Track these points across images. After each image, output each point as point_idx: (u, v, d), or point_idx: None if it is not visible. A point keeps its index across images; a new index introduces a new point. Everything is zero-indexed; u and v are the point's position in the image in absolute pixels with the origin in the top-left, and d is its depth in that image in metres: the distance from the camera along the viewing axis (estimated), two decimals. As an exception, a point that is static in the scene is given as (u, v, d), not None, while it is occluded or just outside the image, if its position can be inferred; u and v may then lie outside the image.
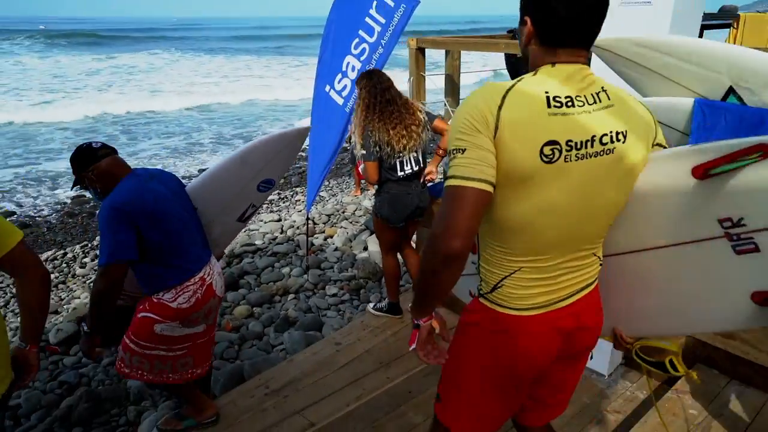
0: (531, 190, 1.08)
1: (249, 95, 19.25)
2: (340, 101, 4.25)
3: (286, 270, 5.04)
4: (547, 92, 1.06)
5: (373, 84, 2.85)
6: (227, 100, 18.38)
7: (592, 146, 1.07)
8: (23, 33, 46.05)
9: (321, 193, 7.60)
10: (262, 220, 6.45)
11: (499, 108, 1.03)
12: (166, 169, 2.65)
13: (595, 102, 1.10)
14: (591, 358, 1.49)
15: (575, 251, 1.19)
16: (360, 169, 3.17)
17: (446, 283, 1.11)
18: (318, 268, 5.04)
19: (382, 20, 3.88)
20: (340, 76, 4.22)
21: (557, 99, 1.06)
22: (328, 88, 4.34)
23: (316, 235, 5.90)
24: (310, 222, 6.17)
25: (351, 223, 6.17)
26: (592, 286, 1.28)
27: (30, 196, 8.58)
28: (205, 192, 2.42)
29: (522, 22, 1.13)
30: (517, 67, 3.51)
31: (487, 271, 1.24)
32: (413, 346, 1.26)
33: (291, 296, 4.60)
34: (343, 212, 6.59)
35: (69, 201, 8.18)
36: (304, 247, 5.52)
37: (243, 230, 6.34)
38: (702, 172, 1.09)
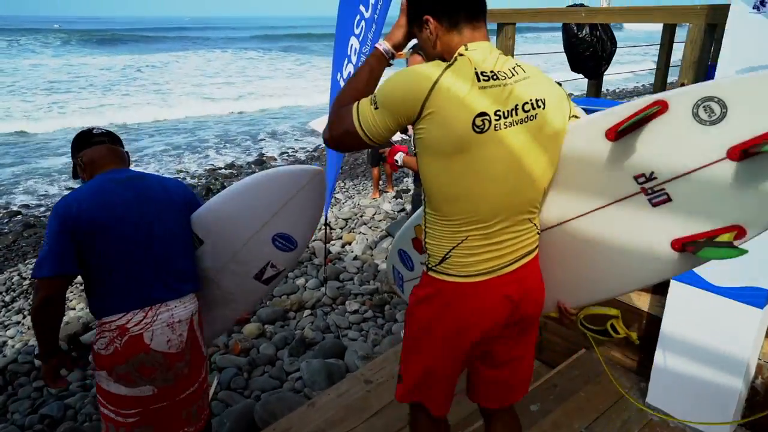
0: (467, 159, 1.16)
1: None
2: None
3: (300, 281, 4.55)
4: (475, 69, 1.16)
5: None
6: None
7: (516, 114, 1.17)
8: (52, 32, 44.78)
9: (336, 195, 7.11)
10: (274, 224, 5.97)
11: (435, 83, 1.13)
12: None
13: (513, 75, 1.20)
14: None
15: (516, 215, 1.26)
16: (399, 158, 2.64)
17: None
18: (336, 279, 4.54)
19: None
20: (345, 61, 3.68)
21: (484, 74, 1.16)
22: (339, 76, 3.83)
23: (332, 242, 5.40)
24: (327, 227, 5.69)
25: (371, 228, 5.66)
26: (533, 255, 1.34)
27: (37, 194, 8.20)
28: (212, 225, 1.90)
29: (422, 27, 1.25)
30: (577, 49, 2.99)
31: (434, 245, 1.31)
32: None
33: (307, 312, 4.10)
34: (362, 216, 6.09)
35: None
36: (320, 255, 5.03)
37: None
38: (614, 134, 1.18)
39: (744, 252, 1.04)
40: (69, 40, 39.06)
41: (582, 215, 1.33)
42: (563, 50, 3.17)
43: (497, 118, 1.15)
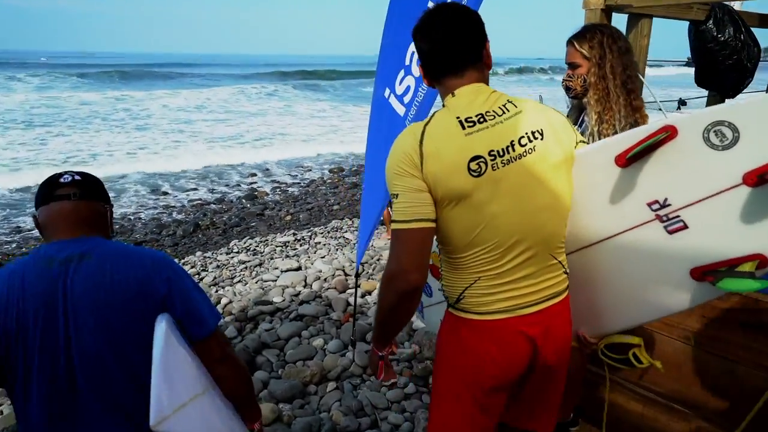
0: (470, 205, 1.15)
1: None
2: (401, 110, 2.98)
3: (318, 342, 3.71)
4: (458, 117, 1.16)
5: (620, 47, 1.64)
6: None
7: (513, 150, 1.16)
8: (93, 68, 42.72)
9: (345, 235, 6.33)
10: (277, 268, 5.14)
11: (420, 144, 1.14)
12: None
13: (504, 113, 1.18)
14: None
15: (533, 253, 1.21)
16: None
17: (403, 316, 1.27)
18: (363, 340, 3.71)
19: None
20: (402, 73, 2.94)
21: (469, 120, 1.16)
22: (387, 92, 3.09)
23: (349, 289, 4.59)
24: (341, 273, 4.87)
25: (392, 274, 4.86)
26: (560, 297, 1.30)
27: None
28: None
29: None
30: (716, 57, 2.32)
31: (449, 284, 1.31)
32: (381, 377, 1.46)
33: (331, 385, 3.25)
34: (379, 260, 5.29)
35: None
36: (337, 308, 4.20)
37: (255, 281, 5.05)
38: (624, 160, 1.16)
39: (766, 284, 0.99)
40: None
41: (596, 243, 1.31)
42: (690, 59, 2.50)
43: (492, 158, 1.14)
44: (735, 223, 1.07)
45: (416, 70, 2.86)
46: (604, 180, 1.22)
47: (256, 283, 4.90)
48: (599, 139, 1.61)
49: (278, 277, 4.93)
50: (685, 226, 1.15)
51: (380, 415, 2.95)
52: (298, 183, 11.42)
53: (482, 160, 1.13)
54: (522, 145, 1.17)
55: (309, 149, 14.85)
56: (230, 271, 5.30)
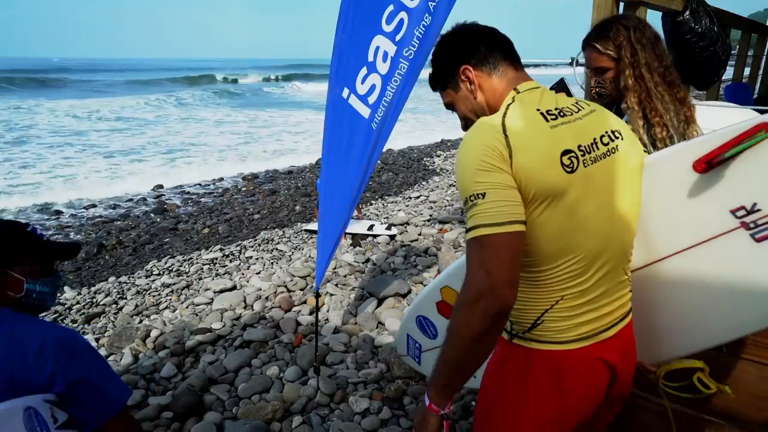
0: (563, 205, 1.02)
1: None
2: (365, 112, 2.72)
3: (272, 371, 3.33)
4: (538, 109, 1.04)
5: (649, 37, 1.47)
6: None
7: (597, 148, 1.06)
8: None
9: (278, 246, 5.91)
10: (209, 289, 4.63)
11: (505, 135, 0.98)
12: None
13: (579, 110, 1.09)
14: None
15: (612, 265, 1.11)
16: None
17: (490, 348, 1.01)
18: (324, 363, 3.40)
19: None
20: (364, 71, 2.66)
21: (550, 112, 1.04)
22: (346, 92, 2.81)
23: (295, 307, 4.23)
24: (284, 290, 4.50)
25: (338, 287, 4.57)
26: (629, 317, 1.19)
27: None
28: None
29: (459, 82, 1.14)
30: (693, 49, 2.27)
31: (524, 308, 1.11)
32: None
33: (297, 419, 2.91)
34: (335, 271, 4.97)
35: None
36: (287, 329, 3.84)
37: (186, 305, 4.51)
38: (704, 166, 1.07)
39: None
40: None
41: (668, 257, 1.20)
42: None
43: (582, 153, 1.04)
44: None
45: (382, 67, 2.61)
46: (679, 187, 1.12)
47: (187, 308, 4.38)
48: (654, 146, 1.47)
49: (212, 299, 4.44)
50: None
51: (358, 449, 2.67)
52: (211, 192, 10.68)
53: (573, 154, 1.02)
54: (604, 144, 1.08)
55: (220, 159, 14.01)
56: (154, 297, 4.70)
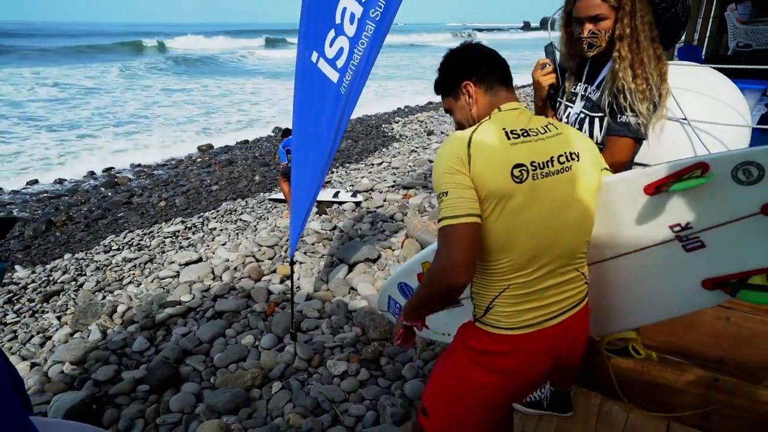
0: (508, 209, 1.20)
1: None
2: (333, 76, 2.68)
3: (248, 339, 3.33)
4: (504, 128, 1.24)
5: None
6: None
7: (552, 165, 1.23)
8: None
9: (242, 217, 5.81)
10: (174, 262, 4.53)
11: (468, 146, 1.20)
12: None
13: (546, 132, 1.27)
14: None
15: (558, 263, 1.29)
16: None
17: (441, 307, 1.39)
18: (299, 330, 3.42)
19: None
20: (332, 33, 2.61)
21: (514, 132, 1.24)
22: (315, 56, 2.75)
23: (265, 277, 4.21)
24: (252, 259, 4.46)
25: (308, 255, 4.56)
26: (581, 305, 1.37)
27: None
28: None
29: (460, 93, 1.34)
30: (656, 10, 2.32)
31: (478, 294, 1.34)
32: (398, 342, 1.45)
33: (276, 385, 2.94)
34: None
35: None
36: (258, 298, 3.83)
37: (150, 279, 4.40)
38: (652, 190, 1.29)
39: None
40: None
41: (618, 256, 1.45)
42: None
43: (534, 168, 1.21)
44: (749, 244, 1.24)
45: (350, 29, 2.56)
46: (631, 204, 1.34)
47: (153, 282, 4.28)
48: (632, 96, 1.53)
49: (178, 272, 4.36)
50: (703, 245, 1.30)
51: (339, 409, 2.74)
52: (164, 165, 10.31)
53: (524, 168, 1.19)
54: (560, 163, 1.24)
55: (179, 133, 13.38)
56: (116, 272, 4.56)
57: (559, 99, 1.87)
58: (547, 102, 1.83)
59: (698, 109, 1.95)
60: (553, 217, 1.24)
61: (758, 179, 1.17)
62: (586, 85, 1.78)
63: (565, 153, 1.25)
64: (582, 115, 1.74)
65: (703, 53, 5.30)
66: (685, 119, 1.91)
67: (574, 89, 1.80)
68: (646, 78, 1.54)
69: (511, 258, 1.24)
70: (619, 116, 1.60)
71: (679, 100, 1.88)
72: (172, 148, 11.49)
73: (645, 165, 1.94)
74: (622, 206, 1.35)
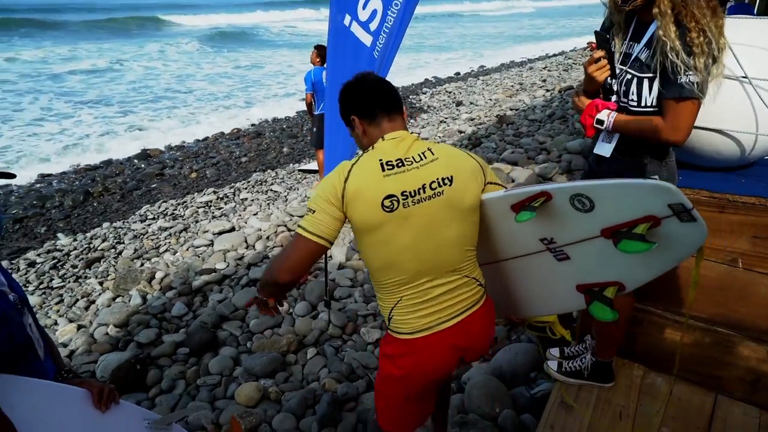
0: (384, 235, 1.35)
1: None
2: (367, 40, 2.62)
3: (282, 307, 3.37)
4: (380, 159, 1.36)
5: None
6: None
7: (424, 192, 1.36)
8: None
9: (273, 188, 5.85)
10: (208, 231, 4.61)
11: (345, 181, 1.34)
12: None
13: (421, 159, 1.39)
14: None
15: (443, 274, 1.43)
16: (607, 118, 1.67)
17: (275, 293, 1.43)
18: (332, 298, 3.45)
19: None
20: None
21: (389, 163, 1.36)
22: (348, 19, 2.69)
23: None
24: (284, 229, 4.49)
25: (339, 225, 4.57)
26: (477, 305, 1.52)
27: None
28: None
29: (352, 125, 1.45)
30: None
31: (381, 306, 1.50)
32: (247, 305, 1.86)
33: (311, 351, 2.98)
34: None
35: None
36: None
37: (186, 248, 4.48)
38: (517, 209, 1.43)
39: (616, 316, 1.45)
40: None
41: (506, 260, 1.64)
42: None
43: (404, 197, 1.33)
44: (599, 260, 1.44)
45: None
46: (505, 220, 1.48)
47: (188, 250, 4.37)
48: (689, 53, 1.43)
49: (212, 241, 4.43)
50: (568, 257, 1.48)
51: (373, 375, 2.76)
52: (191, 142, 10.37)
53: (395, 198, 1.31)
54: (432, 189, 1.35)
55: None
56: (152, 240, 4.67)
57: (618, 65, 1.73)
58: (599, 92, 1.71)
59: (759, 66, 1.82)
60: (430, 238, 1.37)
61: (591, 209, 1.34)
62: (632, 43, 1.65)
63: (438, 179, 1.36)
64: (629, 76, 1.63)
65: (755, 10, 5.01)
66: (745, 77, 1.79)
67: (621, 48, 1.69)
68: (702, 30, 1.43)
69: (395, 276, 1.39)
70: (675, 77, 1.49)
71: (738, 57, 1.76)
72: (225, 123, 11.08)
73: (702, 128, 1.83)
74: (500, 221, 1.51)
